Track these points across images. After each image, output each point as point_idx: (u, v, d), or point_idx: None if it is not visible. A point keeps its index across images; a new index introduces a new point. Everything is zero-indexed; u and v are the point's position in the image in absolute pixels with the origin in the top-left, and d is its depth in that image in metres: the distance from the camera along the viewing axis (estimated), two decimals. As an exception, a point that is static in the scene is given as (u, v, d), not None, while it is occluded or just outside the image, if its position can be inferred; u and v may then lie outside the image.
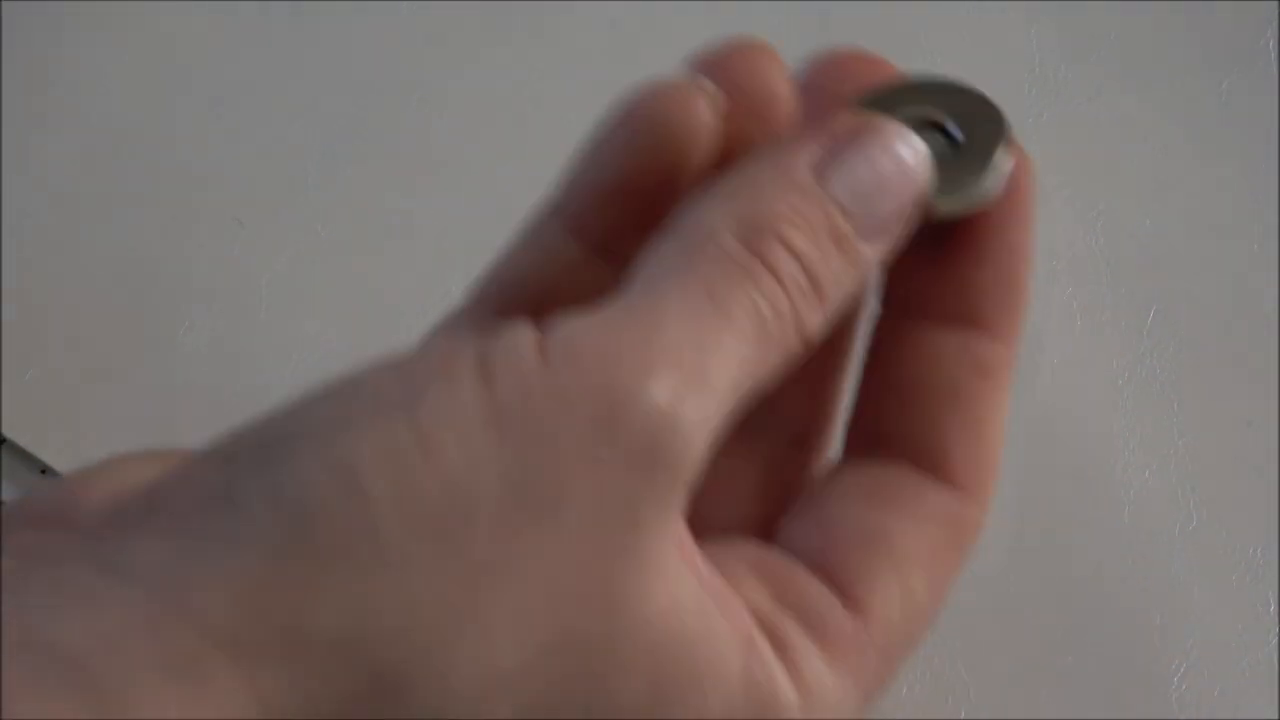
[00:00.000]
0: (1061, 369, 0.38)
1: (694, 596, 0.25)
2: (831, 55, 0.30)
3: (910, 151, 0.27)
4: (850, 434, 0.29)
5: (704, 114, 0.28)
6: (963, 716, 0.33)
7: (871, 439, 0.28)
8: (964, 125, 0.30)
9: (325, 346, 0.38)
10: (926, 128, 0.29)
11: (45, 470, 0.37)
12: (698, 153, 0.28)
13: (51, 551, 0.23)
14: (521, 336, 0.24)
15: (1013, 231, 0.29)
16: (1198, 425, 0.37)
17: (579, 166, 0.28)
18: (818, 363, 0.29)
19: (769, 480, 0.29)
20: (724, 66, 0.29)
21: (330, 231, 0.40)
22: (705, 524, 0.27)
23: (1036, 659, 0.34)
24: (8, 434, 0.37)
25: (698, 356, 0.24)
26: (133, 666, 0.21)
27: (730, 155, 0.28)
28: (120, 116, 0.42)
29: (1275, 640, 0.34)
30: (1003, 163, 0.29)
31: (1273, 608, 0.35)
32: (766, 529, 0.28)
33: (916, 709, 0.33)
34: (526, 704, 0.23)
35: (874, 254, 0.27)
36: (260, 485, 0.22)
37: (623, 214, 0.28)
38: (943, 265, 0.29)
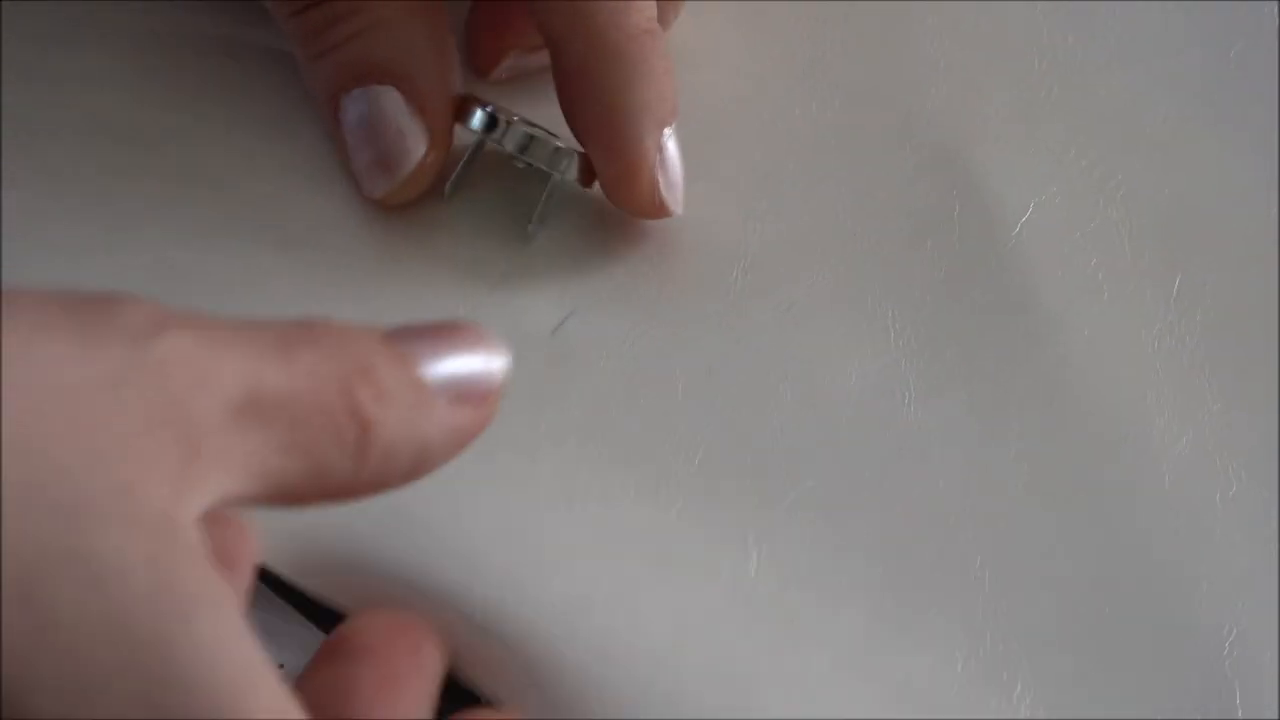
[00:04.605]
0: (1091, 342, 0.38)
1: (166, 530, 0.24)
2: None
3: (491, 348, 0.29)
4: None
5: None
6: (1018, 689, 0.33)
7: None
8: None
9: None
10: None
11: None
12: None
13: None
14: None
15: None
16: (1230, 391, 0.37)
17: None
18: None
19: None
20: None
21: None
22: None
23: (1088, 631, 0.34)
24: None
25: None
26: None
27: None
28: (125, 113, 0.41)
29: (1324, 599, 0.35)
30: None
31: (1319, 568, 0.35)
32: None
33: (970, 683, 0.33)
34: None
35: (457, 417, 0.28)
36: None
37: None
38: None
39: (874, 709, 0.33)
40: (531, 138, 0.38)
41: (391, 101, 0.37)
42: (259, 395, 0.25)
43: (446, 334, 0.28)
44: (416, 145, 0.37)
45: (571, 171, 0.38)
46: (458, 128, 0.39)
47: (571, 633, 0.33)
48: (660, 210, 0.38)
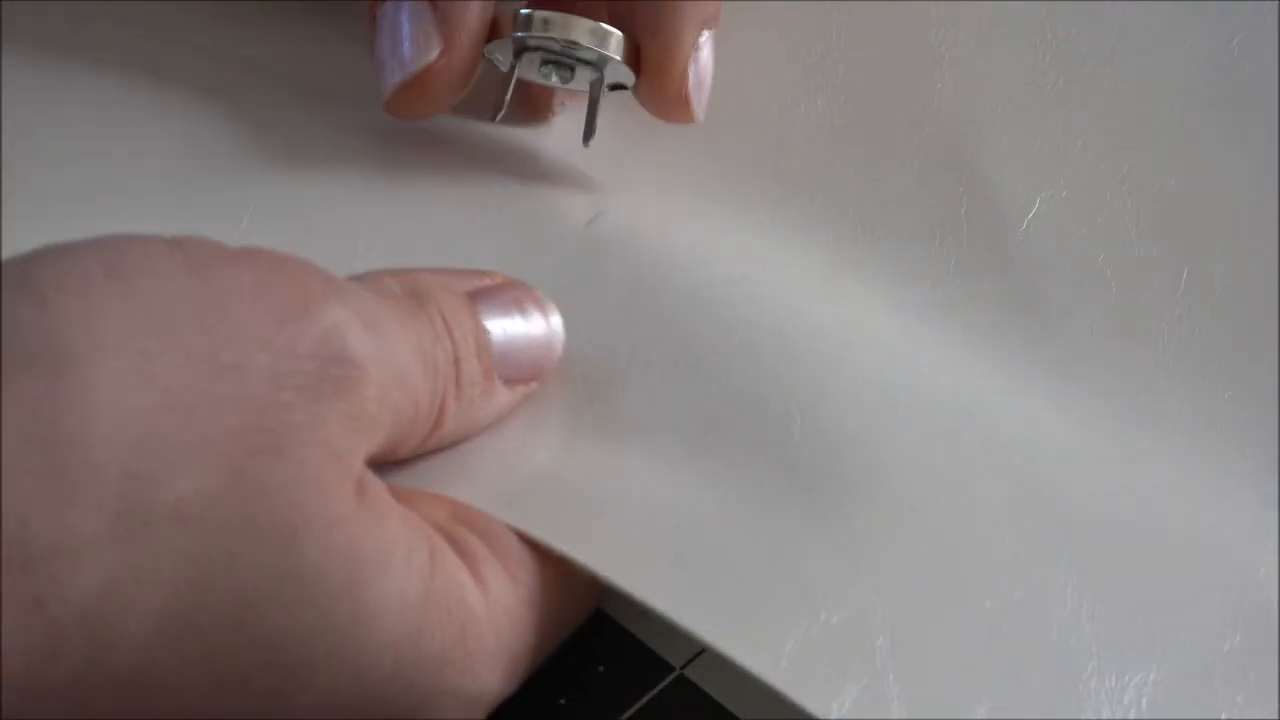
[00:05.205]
0: (1099, 339, 0.38)
1: (362, 515, 0.27)
2: None
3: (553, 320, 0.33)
4: None
5: None
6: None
7: None
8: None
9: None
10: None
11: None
12: None
13: None
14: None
15: None
16: (1240, 382, 0.38)
17: None
18: None
19: None
20: None
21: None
22: None
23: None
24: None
25: (373, 312, 0.29)
26: None
27: None
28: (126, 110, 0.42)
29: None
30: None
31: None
32: None
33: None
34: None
35: (509, 397, 0.32)
36: None
37: None
38: None
39: None
40: (565, 23, 0.38)
41: (415, 11, 0.38)
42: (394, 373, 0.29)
43: (520, 304, 0.33)
44: (430, 48, 0.38)
45: (615, 49, 0.38)
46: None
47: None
48: (684, 107, 0.39)
